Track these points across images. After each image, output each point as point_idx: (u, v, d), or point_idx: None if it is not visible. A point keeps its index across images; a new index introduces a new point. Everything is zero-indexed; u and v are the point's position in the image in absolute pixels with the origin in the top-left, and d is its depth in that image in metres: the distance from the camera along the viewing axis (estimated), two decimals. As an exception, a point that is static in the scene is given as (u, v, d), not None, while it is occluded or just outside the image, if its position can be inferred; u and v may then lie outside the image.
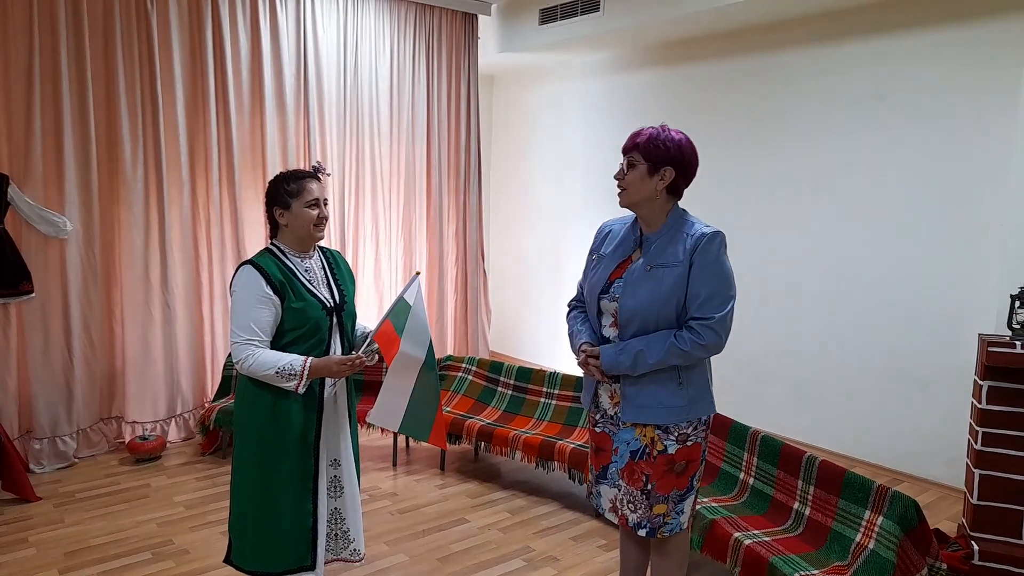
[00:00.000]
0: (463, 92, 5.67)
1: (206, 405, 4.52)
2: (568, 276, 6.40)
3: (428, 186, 5.57)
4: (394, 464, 4.25)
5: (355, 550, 2.63)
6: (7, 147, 3.87)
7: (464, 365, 4.52)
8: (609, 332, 2.28)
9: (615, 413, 2.29)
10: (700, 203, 5.05)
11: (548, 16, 5.32)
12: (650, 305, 2.16)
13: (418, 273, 2.64)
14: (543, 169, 6.51)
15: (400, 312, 2.43)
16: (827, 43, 4.46)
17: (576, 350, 2.33)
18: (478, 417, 4.12)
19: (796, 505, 2.92)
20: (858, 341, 4.40)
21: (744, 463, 3.22)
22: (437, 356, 4.75)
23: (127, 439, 4.26)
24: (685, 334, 2.13)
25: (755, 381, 4.93)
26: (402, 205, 5.45)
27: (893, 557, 2.49)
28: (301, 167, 4.64)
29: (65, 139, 4.00)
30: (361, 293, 5.28)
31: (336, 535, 2.60)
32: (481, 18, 5.69)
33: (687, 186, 2.30)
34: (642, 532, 2.27)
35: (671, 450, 2.21)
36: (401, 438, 4.35)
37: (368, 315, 5.32)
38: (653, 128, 2.25)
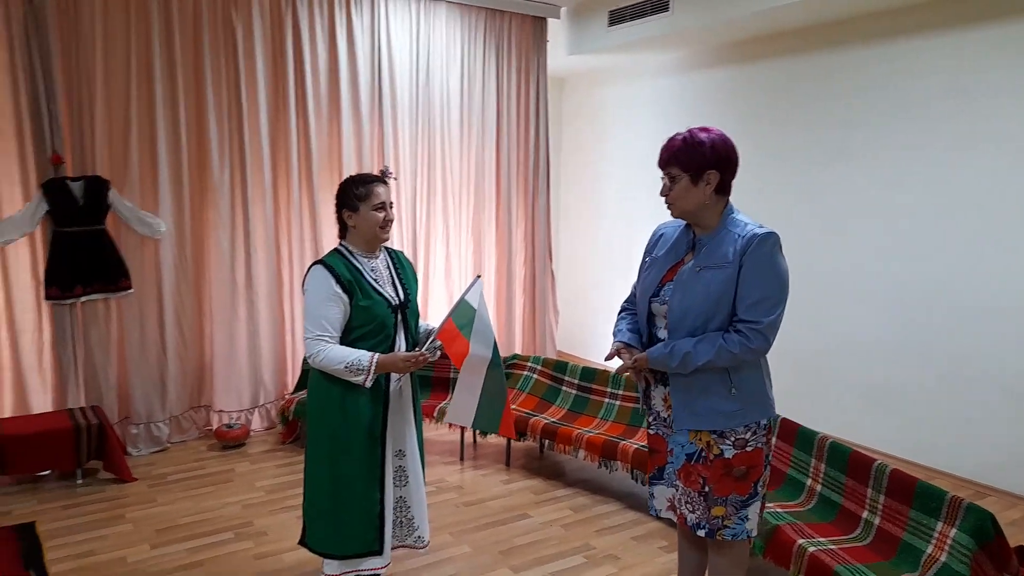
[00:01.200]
0: (532, 95, 5.74)
1: (286, 396, 4.75)
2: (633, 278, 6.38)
3: (497, 188, 5.67)
4: (461, 458, 4.36)
5: (419, 537, 2.74)
6: (107, 154, 4.19)
7: (529, 364, 4.59)
8: (663, 335, 2.28)
9: (667, 416, 2.30)
10: (767, 199, 5.00)
11: (617, 17, 5.32)
12: (700, 308, 2.16)
13: (479, 276, 2.73)
14: (612, 170, 6.51)
15: (463, 313, 2.51)
16: (900, 38, 4.30)
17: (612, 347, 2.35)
18: (542, 415, 4.18)
19: (865, 514, 2.85)
20: (938, 345, 4.22)
21: (811, 469, 3.16)
22: (504, 355, 4.86)
23: (214, 427, 4.54)
24: (734, 336, 2.12)
25: (827, 386, 4.79)
26: (472, 207, 5.57)
27: (967, 571, 2.41)
28: (373, 171, 4.85)
29: (159, 146, 4.29)
30: (432, 293, 5.44)
31: (401, 523, 2.72)
32: (550, 21, 5.74)
33: (732, 179, 2.29)
34: (701, 532, 2.27)
35: (728, 454, 2.20)
36: (468, 434, 4.45)
37: (439, 314, 5.47)
38: (682, 135, 2.22)
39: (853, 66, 4.55)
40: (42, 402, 4.13)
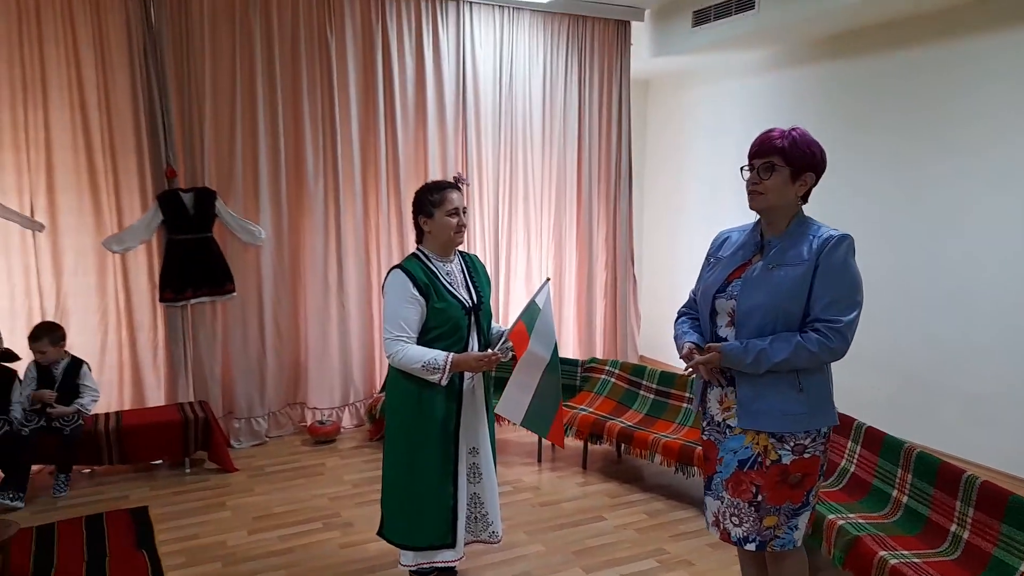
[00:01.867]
0: (615, 98, 5.75)
1: (374, 395, 4.96)
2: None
3: (579, 192, 5.71)
4: (539, 460, 4.43)
5: (493, 532, 2.83)
6: (215, 167, 4.53)
7: (607, 368, 4.61)
8: (725, 332, 2.24)
9: (723, 419, 2.26)
10: (864, 201, 4.80)
11: (702, 17, 5.26)
12: (769, 303, 2.13)
13: (548, 279, 2.80)
14: (698, 172, 6.42)
15: (532, 314, 2.59)
16: (1013, 26, 4.04)
17: (681, 349, 2.31)
18: (619, 419, 4.19)
19: (953, 527, 2.71)
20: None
21: (898, 480, 3.03)
22: (584, 358, 4.90)
23: (308, 423, 4.81)
24: (812, 335, 2.08)
25: (926, 396, 4.55)
26: (553, 211, 5.64)
27: (1064, 591, 2.26)
28: (455, 176, 4.98)
29: (260, 159, 4.60)
30: (512, 296, 5.55)
31: (476, 518, 2.81)
32: (634, 24, 5.73)
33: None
34: (751, 546, 2.22)
35: (785, 460, 2.15)
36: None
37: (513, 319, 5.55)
38: (788, 131, 2.19)
39: (957, 57, 4.32)
40: (156, 396, 4.50)
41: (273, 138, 4.64)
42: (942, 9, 4.32)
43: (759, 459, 2.19)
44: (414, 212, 2.74)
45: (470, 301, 2.70)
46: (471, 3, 5.15)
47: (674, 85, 6.66)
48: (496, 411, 2.79)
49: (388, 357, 2.62)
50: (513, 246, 5.54)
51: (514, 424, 3.23)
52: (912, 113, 4.61)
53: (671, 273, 6.75)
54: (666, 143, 6.78)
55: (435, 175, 5.09)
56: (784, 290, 2.12)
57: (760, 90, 5.75)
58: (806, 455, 2.17)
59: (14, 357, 4.00)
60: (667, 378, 4.31)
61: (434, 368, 2.53)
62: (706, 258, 2.49)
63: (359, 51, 4.86)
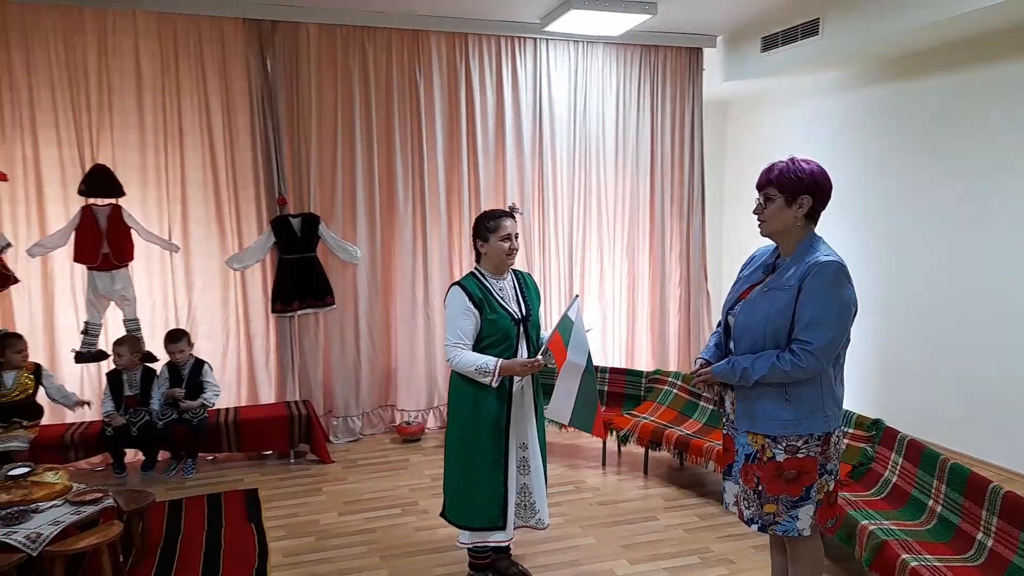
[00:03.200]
0: (687, 122, 5.99)
1: (456, 401, 5.42)
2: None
3: (651, 212, 5.98)
4: (603, 464, 4.73)
5: (540, 519, 3.17)
6: (319, 195, 5.17)
7: (670, 379, 4.85)
8: (734, 346, 2.52)
9: (734, 419, 2.53)
10: (942, 217, 4.81)
11: (770, 43, 5.43)
12: (759, 324, 2.38)
13: (577, 296, 3.14)
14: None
15: (566, 326, 2.92)
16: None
17: (695, 363, 2.64)
18: (679, 428, 4.42)
19: (979, 536, 2.82)
20: None
21: (933, 490, 3.14)
22: (658, 369, 5.16)
23: (397, 423, 5.34)
24: (787, 355, 2.31)
25: (997, 413, 4.49)
26: (626, 231, 5.93)
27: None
28: (535, 201, 5.42)
29: (357, 188, 5.20)
30: (586, 311, 5.87)
31: (525, 506, 3.17)
32: (706, 50, 5.96)
33: (822, 209, 2.47)
34: (754, 527, 2.49)
35: (779, 458, 2.40)
36: (611, 443, 4.78)
37: (591, 333, 5.88)
38: (783, 162, 2.45)
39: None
40: (267, 395, 5.16)
41: (369, 169, 5.23)
42: (1012, 27, 4.32)
43: (758, 455, 2.45)
44: (473, 236, 3.15)
45: (519, 313, 3.08)
46: (547, 39, 5.57)
47: (751, 107, 6.81)
48: (546, 415, 3.12)
49: (447, 361, 3.04)
50: (587, 265, 5.87)
51: (568, 426, 3.58)
52: (982, 132, 4.60)
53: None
54: (745, 162, 6.91)
55: (513, 199, 5.53)
56: (774, 312, 2.37)
57: (831, 111, 5.83)
58: (799, 455, 2.40)
59: (154, 358, 4.76)
60: (725, 390, 4.50)
61: (485, 372, 2.93)
62: (737, 275, 2.76)
63: (444, 89, 5.38)
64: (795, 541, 2.54)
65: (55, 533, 3.04)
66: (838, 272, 2.32)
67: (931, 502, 3.13)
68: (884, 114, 5.36)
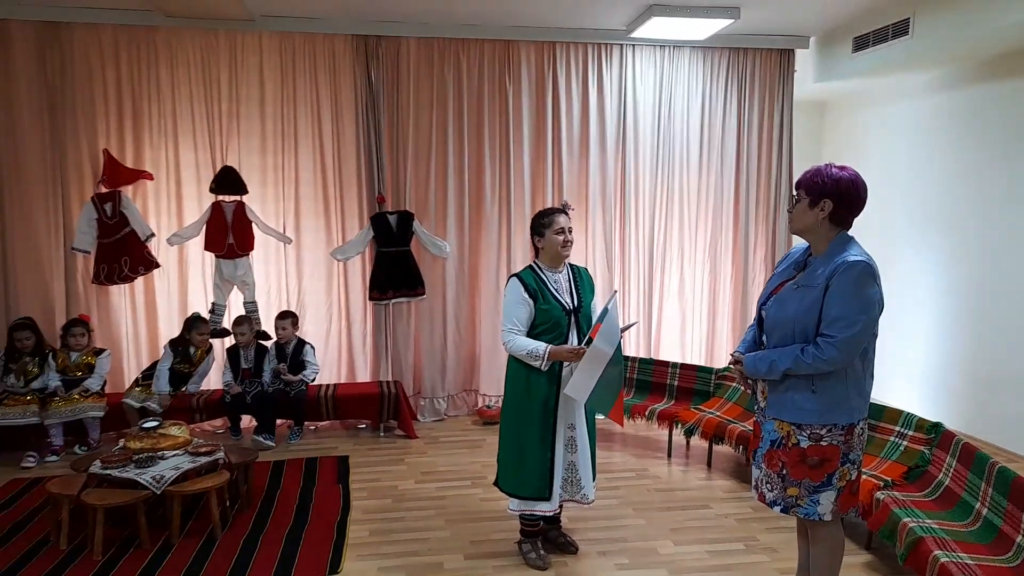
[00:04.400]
0: (776, 123, 5.99)
1: (535, 390, 5.74)
2: (891, 303, 6.16)
3: (735, 213, 6.03)
4: (668, 456, 4.89)
5: (584, 495, 3.42)
6: (414, 194, 5.64)
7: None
8: (765, 339, 2.68)
9: (763, 406, 2.69)
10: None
11: (861, 43, 5.36)
12: (789, 319, 2.52)
13: (616, 291, 3.36)
14: (871, 196, 6.36)
15: (602, 316, 3.15)
16: None
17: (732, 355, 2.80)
18: (742, 423, 4.51)
19: (1019, 538, 2.81)
20: None
21: (981, 493, 3.12)
22: (727, 367, 5.24)
23: (478, 406, 5.72)
24: (810, 348, 2.45)
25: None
26: (709, 232, 6.02)
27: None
28: (617, 202, 5.64)
29: (448, 188, 5.63)
30: (665, 310, 6.03)
31: (571, 482, 3.42)
32: (798, 51, 5.94)
33: (855, 216, 2.58)
34: (776, 508, 2.62)
35: (803, 444, 2.53)
36: (678, 436, 4.92)
37: (670, 331, 6.03)
38: (819, 166, 2.59)
39: None
40: (363, 374, 5.70)
41: (459, 170, 5.65)
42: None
43: (784, 441, 2.60)
44: (531, 233, 3.45)
45: (571, 305, 3.34)
46: (634, 45, 5.77)
47: (848, 107, 6.68)
48: (564, 391, 3.29)
49: (503, 345, 3.35)
50: (667, 264, 6.01)
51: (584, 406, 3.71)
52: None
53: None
54: (841, 163, 6.78)
55: (595, 199, 5.79)
56: (803, 308, 2.51)
57: (926, 111, 5.68)
58: (823, 443, 2.53)
59: (267, 337, 5.39)
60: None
61: (535, 356, 3.22)
62: (773, 272, 2.91)
63: (532, 95, 5.71)
64: (815, 525, 2.66)
65: (175, 476, 3.63)
66: (864, 271, 2.44)
67: (978, 504, 3.11)
68: (979, 115, 5.16)
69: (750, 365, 2.64)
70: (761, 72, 5.97)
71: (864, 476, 3.57)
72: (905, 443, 3.71)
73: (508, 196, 5.72)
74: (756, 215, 6.07)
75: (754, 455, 2.79)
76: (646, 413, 4.90)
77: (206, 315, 5.36)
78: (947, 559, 2.76)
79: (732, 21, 5.16)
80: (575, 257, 5.67)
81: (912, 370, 5.91)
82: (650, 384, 5.23)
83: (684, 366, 5.22)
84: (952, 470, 3.37)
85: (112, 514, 3.56)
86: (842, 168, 2.58)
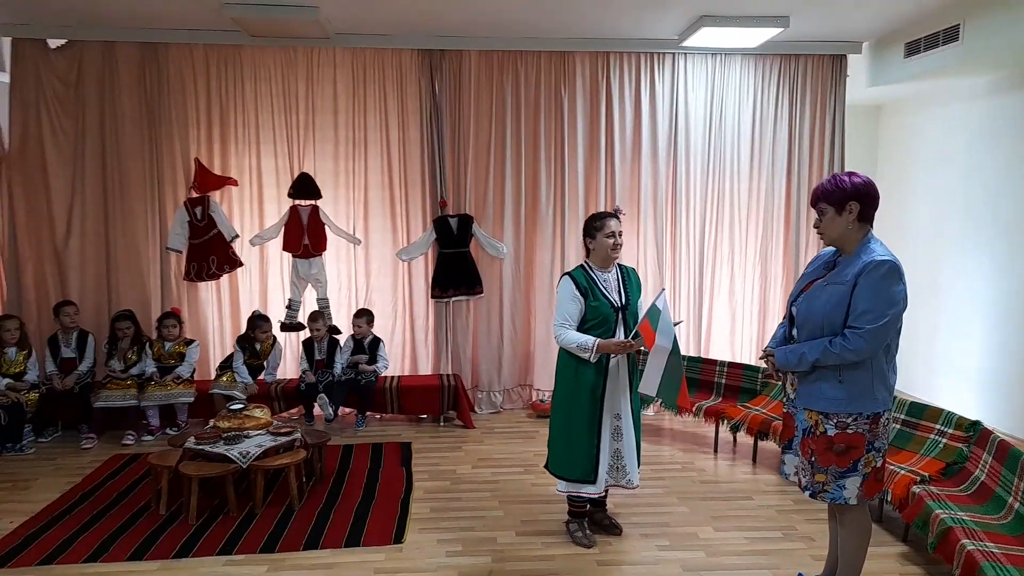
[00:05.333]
0: (828, 128, 6.09)
1: (587, 385, 5.99)
2: (946, 305, 6.17)
3: (787, 217, 6.15)
4: (715, 451, 5.07)
5: (629, 480, 3.67)
6: (473, 199, 5.97)
7: (784, 375, 5.07)
8: (795, 333, 2.88)
9: (794, 397, 2.89)
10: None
11: (913, 48, 5.42)
12: (818, 313, 2.73)
13: (664, 289, 3.58)
14: (924, 196, 6.40)
15: (654, 314, 3.39)
16: None
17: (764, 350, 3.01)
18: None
19: (1046, 531, 2.92)
20: None
21: (1014, 488, 3.23)
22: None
23: (533, 400, 6.01)
24: (838, 340, 2.65)
25: None
26: (760, 235, 6.15)
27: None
28: (668, 206, 5.85)
29: (506, 192, 5.95)
30: (715, 310, 6.20)
31: (617, 468, 3.67)
32: (850, 56, 6.02)
33: (873, 211, 2.76)
34: (806, 493, 2.82)
35: (830, 432, 2.72)
36: (724, 432, 5.10)
37: (719, 330, 6.19)
38: (829, 179, 2.80)
39: None
40: (425, 367, 6.07)
41: (516, 176, 5.96)
42: None
43: (813, 430, 2.80)
44: (583, 235, 3.72)
45: (619, 302, 3.60)
46: (685, 54, 5.97)
47: (903, 111, 6.70)
48: (639, 390, 3.56)
49: (555, 338, 3.63)
50: (717, 266, 6.18)
51: (659, 401, 3.98)
52: None
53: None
54: (897, 165, 6.81)
55: (646, 203, 6.01)
56: (832, 304, 2.70)
57: (979, 115, 5.71)
58: (849, 431, 2.72)
59: (338, 331, 5.81)
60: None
61: (584, 348, 3.48)
62: (803, 272, 3.11)
63: (586, 102, 5.97)
64: (843, 510, 2.85)
65: (258, 452, 4.05)
66: (891, 269, 2.63)
67: (1011, 499, 3.23)
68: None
69: (781, 358, 2.85)
70: (813, 77, 6.07)
71: (902, 472, 3.72)
72: (944, 440, 3.82)
73: (563, 200, 5.99)
74: (808, 218, 6.16)
75: (788, 444, 2.99)
76: (693, 409, 5.10)
77: (283, 310, 5.83)
78: (973, 547, 2.91)
79: (782, 30, 5.30)
80: (627, 257, 5.98)
81: (967, 371, 5.91)
82: (698, 382, 5.42)
83: (731, 364, 5.39)
84: (988, 466, 3.48)
85: (205, 484, 3.99)
86: (848, 174, 2.78)
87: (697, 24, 5.32)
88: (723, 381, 5.35)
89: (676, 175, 6.07)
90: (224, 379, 5.49)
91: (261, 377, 5.64)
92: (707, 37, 5.52)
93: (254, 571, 3.40)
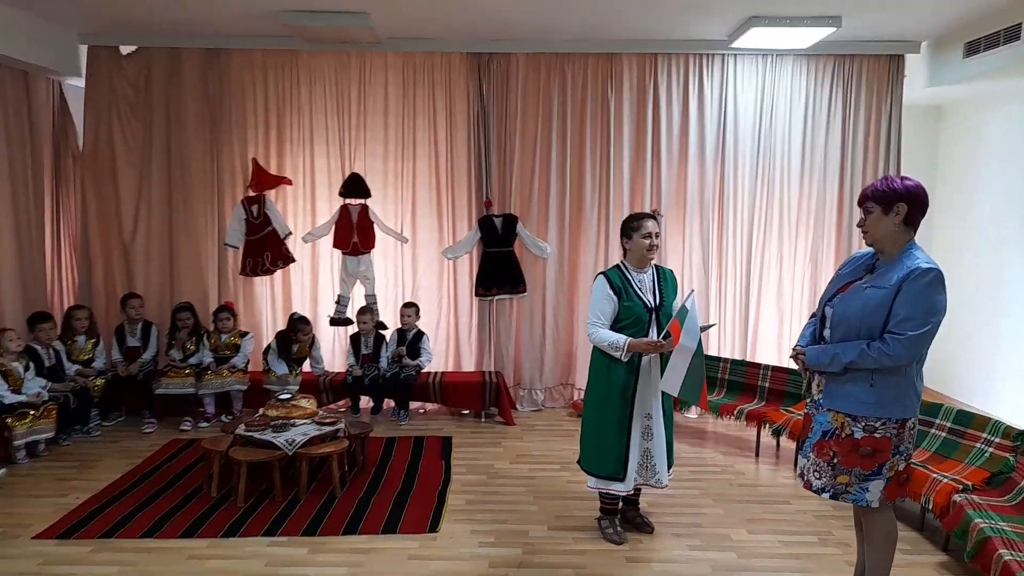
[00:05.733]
0: (883, 129, 5.95)
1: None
2: (1008, 309, 5.96)
3: (839, 219, 6.03)
4: (756, 455, 5.03)
5: (659, 479, 3.69)
6: (519, 199, 6.06)
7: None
8: (827, 334, 2.86)
9: (818, 397, 2.87)
10: None
11: (973, 48, 5.26)
12: (855, 315, 2.69)
13: (692, 291, 3.60)
14: (985, 198, 6.19)
15: (683, 315, 3.41)
16: None
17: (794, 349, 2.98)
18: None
19: (1090, 545, 2.83)
20: None
21: (1060, 501, 3.13)
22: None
23: (573, 399, 6.06)
24: (876, 343, 2.61)
25: None
26: (810, 238, 6.05)
27: None
28: (715, 207, 5.83)
29: (551, 193, 6.02)
30: (762, 311, 6.12)
31: (647, 467, 3.70)
32: (907, 56, 5.87)
33: (920, 217, 2.72)
34: (826, 495, 2.80)
35: (857, 435, 2.70)
36: (765, 437, 5.04)
37: (767, 333, 6.12)
38: (882, 179, 2.77)
39: None
40: (468, 363, 6.18)
41: (561, 177, 6.02)
42: None
43: (837, 431, 2.78)
44: (620, 235, 3.76)
45: (652, 303, 3.62)
46: (735, 55, 5.92)
47: (965, 111, 6.49)
48: (660, 387, 3.58)
49: (588, 336, 3.68)
50: (765, 268, 6.10)
51: (681, 400, 3.96)
52: None
53: (954, 299, 6.51)
54: (958, 166, 6.60)
55: (692, 204, 5.99)
56: (870, 307, 2.67)
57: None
58: (876, 435, 2.69)
59: (384, 327, 5.98)
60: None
61: (616, 347, 3.52)
62: (836, 272, 3.08)
63: (633, 104, 5.98)
64: (868, 513, 2.82)
65: (304, 441, 4.23)
66: (936, 278, 2.59)
67: (1057, 511, 3.13)
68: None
69: (812, 357, 2.82)
70: (868, 77, 5.94)
71: (944, 480, 3.63)
72: (991, 449, 3.72)
73: (607, 201, 6.02)
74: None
75: (802, 444, 2.97)
76: (735, 412, 5.06)
77: (332, 306, 6.04)
78: (1011, 558, 2.84)
79: (834, 30, 5.22)
80: (672, 258, 5.98)
81: (1027, 383, 5.71)
82: (741, 385, 5.38)
83: (776, 368, 5.33)
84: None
85: (253, 469, 4.19)
86: (901, 177, 2.75)
87: (746, 25, 5.28)
88: (767, 385, 5.29)
89: (723, 176, 6.02)
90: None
91: (308, 370, 5.85)
92: (757, 38, 5.47)
93: (296, 552, 3.56)
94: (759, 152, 6.03)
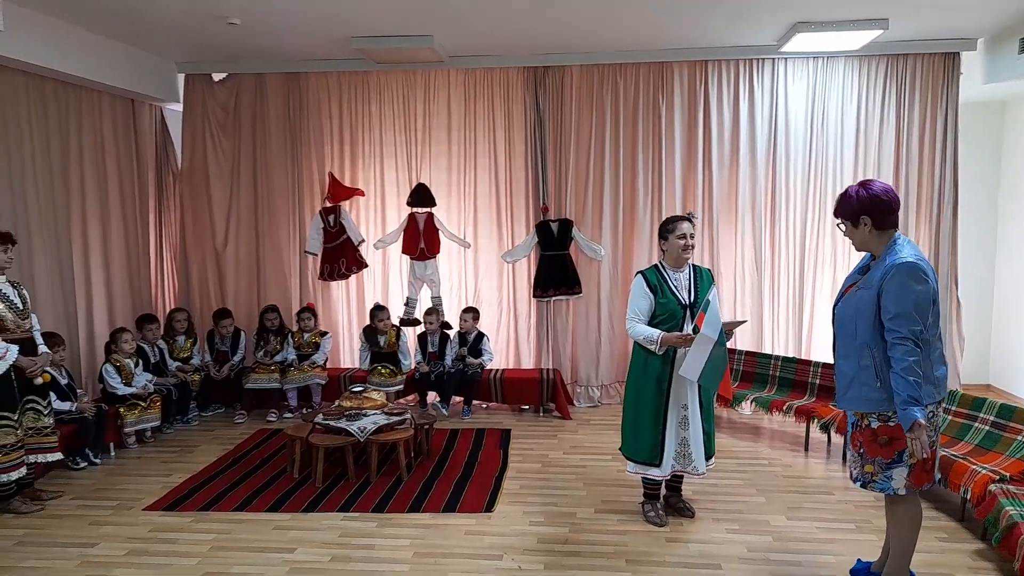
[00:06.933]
0: (939, 127, 5.94)
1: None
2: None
3: (893, 217, 6.04)
4: (805, 449, 5.15)
5: (695, 467, 3.91)
6: (574, 204, 6.36)
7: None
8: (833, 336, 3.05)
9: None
10: None
11: (1028, 42, 5.23)
12: (850, 317, 2.89)
13: (714, 285, 3.80)
14: (1053, 194, 6.07)
15: (706, 307, 3.63)
16: None
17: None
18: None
19: (1114, 531, 2.90)
20: None
21: (1091, 490, 3.19)
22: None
23: (629, 396, 6.30)
24: (895, 357, 2.72)
25: None
26: (864, 235, 6.08)
27: None
28: (766, 209, 5.97)
29: (605, 198, 6.29)
30: (816, 309, 6.20)
31: (684, 455, 3.92)
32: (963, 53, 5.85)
33: (894, 215, 2.85)
34: (857, 484, 2.99)
35: (874, 425, 2.88)
36: (815, 432, 5.15)
37: (821, 331, 6.19)
38: (843, 193, 2.94)
39: None
40: (527, 361, 6.52)
41: (615, 182, 6.28)
42: None
43: (859, 423, 2.97)
44: (658, 237, 4.01)
45: (687, 300, 3.85)
46: (786, 58, 6.05)
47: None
48: (680, 373, 3.77)
49: (627, 331, 3.94)
50: (819, 268, 6.18)
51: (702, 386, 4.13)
52: None
53: (1018, 298, 6.41)
54: (1020, 166, 6.48)
55: (744, 206, 6.15)
56: (861, 308, 2.85)
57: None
58: (891, 424, 2.86)
59: (449, 326, 6.39)
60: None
61: (651, 341, 3.78)
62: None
63: (684, 110, 6.19)
64: (892, 500, 2.98)
65: (374, 428, 4.66)
66: (911, 270, 2.74)
67: (1087, 500, 3.19)
68: None
69: (903, 418, 2.73)
70: (923, 76, 5.95)
71: (982, 471, 3.72)
72: (1031, 443, 3.77)
73: (660, 204, 6.25)
74: (918, 218, 6.05)
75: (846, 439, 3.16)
76: (784, 408, 5.20)
77: (402, 307, 6.50)
78: (1033, 542, 2.94)
79: (881, 32, 5.29)
80: (724, 259, 6.15)
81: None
82: (792, 381, 5.50)
83: (826, 365, 5.41)
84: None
85: (329, 454, 4.65)
86: (862, 184, 2.91)
87: (792, 31, 5.42)
88: (817, 381, 5.39)
89: (775, 178, 6.14)
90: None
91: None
92: (804, 42, 5.59)
93: (366, 526, 3.98)
94: (811, 153, 6.12)
